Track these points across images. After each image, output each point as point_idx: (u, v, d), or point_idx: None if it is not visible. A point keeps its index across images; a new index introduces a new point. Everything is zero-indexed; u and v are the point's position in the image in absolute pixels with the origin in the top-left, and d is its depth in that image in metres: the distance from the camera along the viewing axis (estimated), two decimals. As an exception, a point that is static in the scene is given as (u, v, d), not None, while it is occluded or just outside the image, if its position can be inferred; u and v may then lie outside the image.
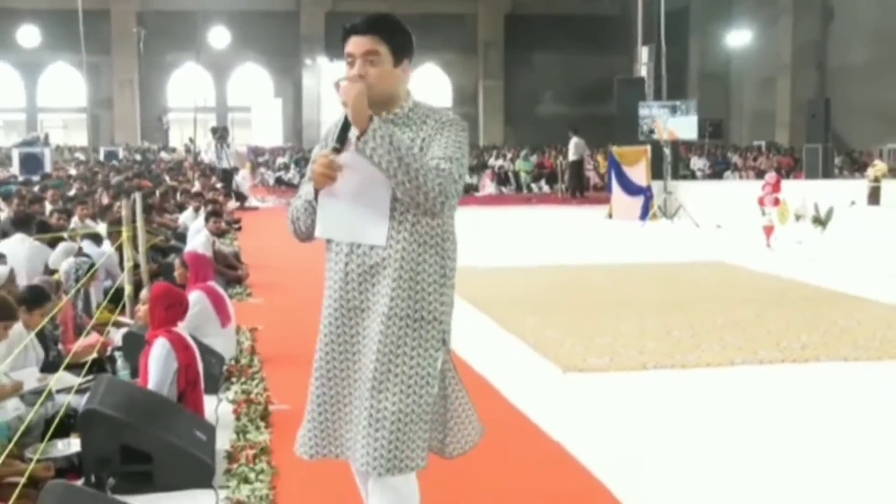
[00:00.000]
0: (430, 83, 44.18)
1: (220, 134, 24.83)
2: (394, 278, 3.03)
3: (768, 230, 14.63)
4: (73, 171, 25.94)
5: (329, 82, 30.40)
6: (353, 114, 2.91)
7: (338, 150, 3.02)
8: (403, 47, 3.11)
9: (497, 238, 16.55)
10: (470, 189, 29.73)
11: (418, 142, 3.06)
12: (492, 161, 33.27)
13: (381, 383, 3.04)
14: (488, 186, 30.24)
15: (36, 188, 15.98)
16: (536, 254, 14.18)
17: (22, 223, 9.47)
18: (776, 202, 14.93)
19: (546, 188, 30.46)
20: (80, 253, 8.58)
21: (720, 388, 6.59)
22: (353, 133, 2.97)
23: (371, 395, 3.04)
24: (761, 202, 14.93)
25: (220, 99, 43.69)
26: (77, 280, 7.58)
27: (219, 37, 42.68)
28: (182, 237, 12.72)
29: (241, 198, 22.94)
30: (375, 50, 3.04)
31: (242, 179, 25.10)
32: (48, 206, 12.98)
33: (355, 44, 3.07)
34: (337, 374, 3.15)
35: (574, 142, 26.67)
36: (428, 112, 3.13)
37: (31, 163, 24.65)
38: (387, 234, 3.03)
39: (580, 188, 27.07)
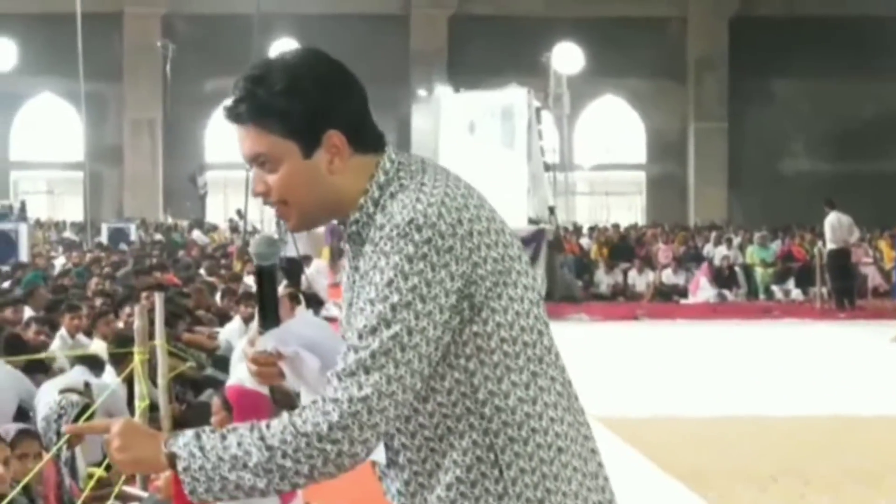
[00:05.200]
0: (610, 125, 44.04)
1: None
2: (401, 492, 2.91)
3: None
4: (61, 259, 26.69)
5: (456, 120, 29.03)
6: (133, 469, 2.77)
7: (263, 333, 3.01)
8: (312, 118, 2.81)
9: (717, 371, 16.37)
10: (674, 294, 29.50)
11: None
12: (709, 249, 33.08)
13: None
14: (704, 289, 29.99)
15: (6, 284, 16.44)
16: (781, 397, 13.98)
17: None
18: None
19: (796, 292, 30.11)
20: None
21: None
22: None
23: None
24: None
25: (284, 149, 44.34)
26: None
27: (285, 54, 43.51)
28: (224, 362, 12.88)
29: (313, 302, 23.23)
30: (259, 152, 2.84)
31: (316, 273, 25.43)
32: (26, 312, 13.33)
33: (238, 139, 2.88)
34: None
35: (832, 220, 26.16)
36: (392, 209, 2.77)
37: (-2, 246, 25.43)
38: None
39: (849, 293, 26.66)
